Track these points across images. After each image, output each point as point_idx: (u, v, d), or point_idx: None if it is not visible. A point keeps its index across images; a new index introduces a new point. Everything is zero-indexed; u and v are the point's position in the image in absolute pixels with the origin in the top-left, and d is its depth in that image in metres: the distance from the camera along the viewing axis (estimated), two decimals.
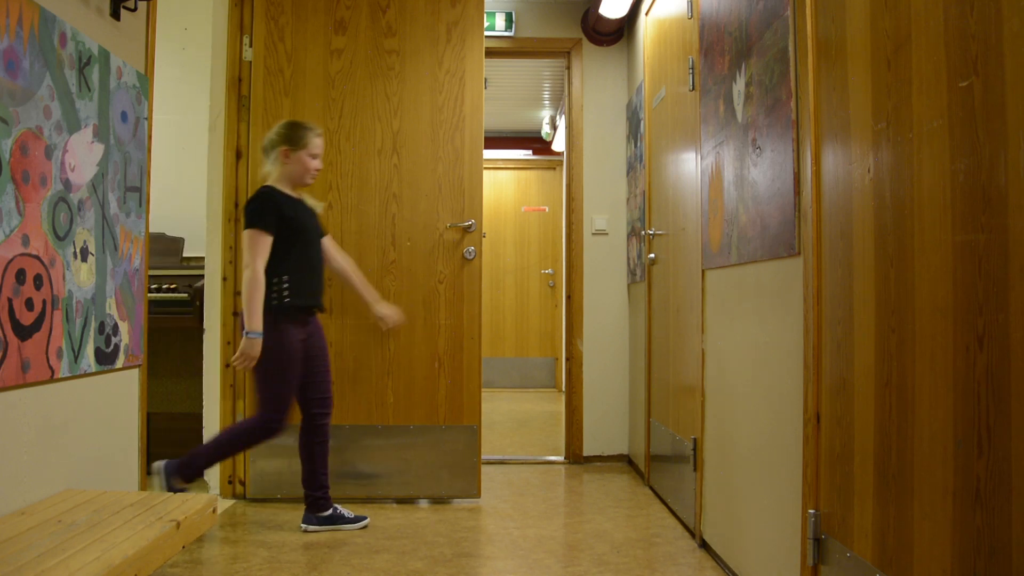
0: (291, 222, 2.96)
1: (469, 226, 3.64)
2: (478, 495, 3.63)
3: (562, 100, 6.14)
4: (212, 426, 3.57)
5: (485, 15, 4.63)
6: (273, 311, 2.92)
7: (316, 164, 3.07)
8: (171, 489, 2.86)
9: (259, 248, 2.89)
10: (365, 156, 3.66)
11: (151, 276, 3.42)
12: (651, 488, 3.86)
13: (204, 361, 3.59)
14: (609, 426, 4.61)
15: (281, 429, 2.95)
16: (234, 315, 3.58)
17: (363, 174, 3.66)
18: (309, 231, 3.05)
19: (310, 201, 3.16)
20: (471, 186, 3.67)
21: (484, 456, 4.56)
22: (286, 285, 2.95)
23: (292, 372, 2.96)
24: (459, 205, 3.67)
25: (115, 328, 2.39)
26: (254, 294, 2.86)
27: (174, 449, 3.78)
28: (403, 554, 2.82)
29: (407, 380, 3.63)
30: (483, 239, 3.63)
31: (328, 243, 3.23)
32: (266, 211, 2.93)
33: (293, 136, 3.04)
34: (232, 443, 3.02)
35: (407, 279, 3.63)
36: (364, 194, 3.66)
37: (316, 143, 3.05)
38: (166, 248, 3.91)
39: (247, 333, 2.85)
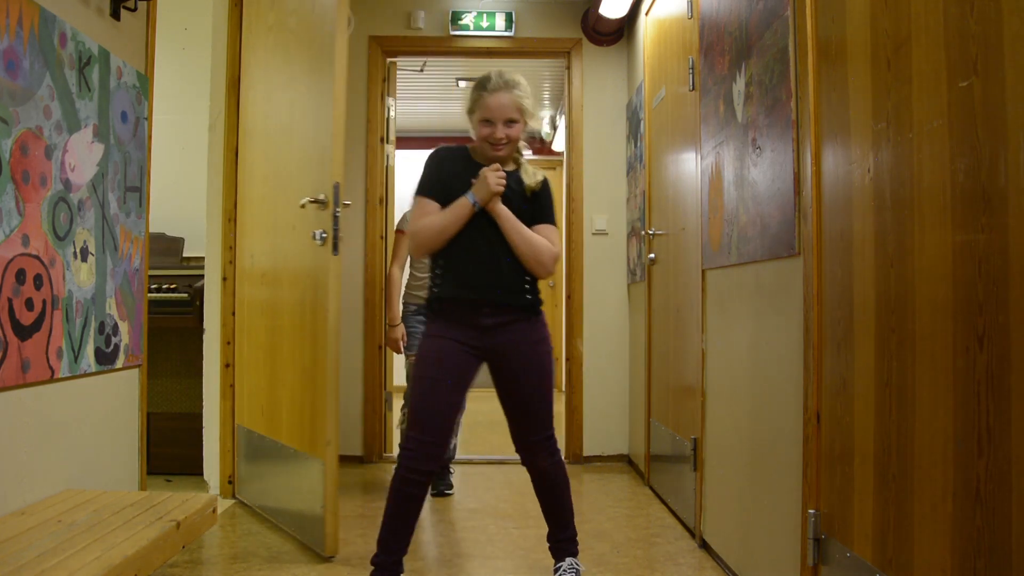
0: (449, 180, 2.35)
1: (323, 201, 2.75)
2: (328, 553, 2.72)
3: (562, 100, 6.14)
4: (212, 426, 3.57)
5: (485, 15, 4.64)
6: (427, 305, 2.41)
7: (488, 132, 2.33)
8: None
9: (414, 216, 2.39)
10: (280, 138, 3.24)
11: (151, 276, 3.42)
12: (651, 488, 3.86)
13: (204, 361, 3.59)
14: (609, 426, 4.61)
15: (414, 453, 2.23)
16: (232, 315, 3.58)
17: (279, 159, 3.24)
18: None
19: (527, 175, 2.40)
20: (326, 144, 2.78)
21: (485, 456, 4.57)
22: (438, 272, 2.38)
23: (427, 379, 2.29)
24: (320, 174, 2.82)
25: (115, 328, 2.39)
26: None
27: (174, 449, 3.78)
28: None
29: (289, 392, 3.07)
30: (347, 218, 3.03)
31: (542, 233, 2.37)
32: (424, 175, 2.39)
33: (469, 97, 2.39)
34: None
35: (288, 273, 3.13)
36: (280, 182, 3.21)
37: (484, 104, 2.32)
38: (166, 248, 3.91)
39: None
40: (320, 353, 2.80)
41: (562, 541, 2.46)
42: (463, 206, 2.29)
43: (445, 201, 2.33)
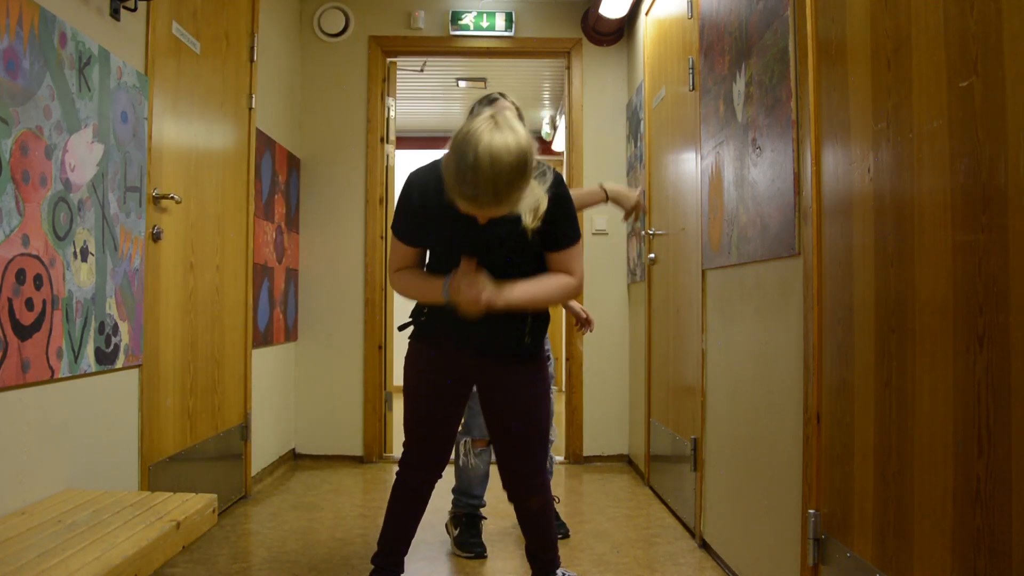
0: (422, 224, 2.07)
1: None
2: None
3: (562, 100, 6.14)
4: None
5: (485, 15, 4.64)
6: (414, 327, 2.22)
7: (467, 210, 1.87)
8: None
9: (392, 257, 2.14)
10: None
11: None
12: (651, 488, 3.86)
13: None
14: (609, 426, 4.61)
15: (415, 466, 2.20)
16: None
17: None
18: (451, 238, 2.03)
19: (527, 211, 1.94)
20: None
21: None
22: (424, 309, 2.17)
23: (420, 396, 2.18)
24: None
25: (115, 328, 2.39)
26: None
27: None
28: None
29: None
30: (169, 211, 2.78)
31: (556, 262, 2.05)
32: (397, 209, 2.10)
33: (449, 172, 1.84)
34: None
35: None
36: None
37: (465, 207, 1.83)
38: None
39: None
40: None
41: (548, 558, 2.28)
42: (437, 296, 2.02)
43: (420, 243, 2.09)
